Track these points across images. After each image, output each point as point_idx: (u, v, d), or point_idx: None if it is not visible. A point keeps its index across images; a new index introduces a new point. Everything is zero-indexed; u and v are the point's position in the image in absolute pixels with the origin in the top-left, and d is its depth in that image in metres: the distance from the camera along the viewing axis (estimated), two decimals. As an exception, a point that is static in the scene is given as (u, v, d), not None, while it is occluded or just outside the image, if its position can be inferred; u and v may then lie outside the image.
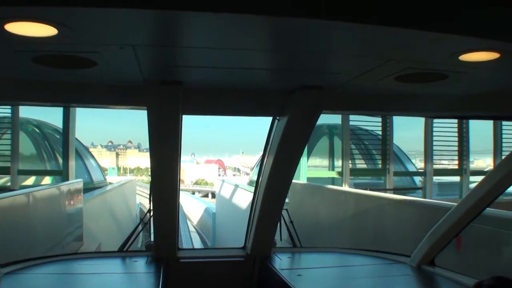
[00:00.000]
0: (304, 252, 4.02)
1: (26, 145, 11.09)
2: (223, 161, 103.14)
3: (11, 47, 1.81)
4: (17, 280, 2.88)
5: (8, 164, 8.51)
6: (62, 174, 8.97)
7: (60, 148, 9.84)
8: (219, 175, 77.11)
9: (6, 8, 1.33)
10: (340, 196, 7.25)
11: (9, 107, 8.42)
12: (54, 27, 1.49)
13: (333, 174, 10.86)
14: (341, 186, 10.05)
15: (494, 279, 1.92)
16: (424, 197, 10.99)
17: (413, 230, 4.97)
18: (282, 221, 3.90)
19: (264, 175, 3.31)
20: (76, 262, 3.41)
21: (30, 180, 10.73)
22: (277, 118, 3.10)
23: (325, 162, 12.02)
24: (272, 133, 3.24)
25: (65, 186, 7.17)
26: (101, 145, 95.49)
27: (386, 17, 1.43)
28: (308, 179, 10.18)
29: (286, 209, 3.96)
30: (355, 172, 10.67)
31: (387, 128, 10.60)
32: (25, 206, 5.07)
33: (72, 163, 8.89)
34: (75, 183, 7.72)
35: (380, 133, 11.21)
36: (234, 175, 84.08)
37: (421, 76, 2.23)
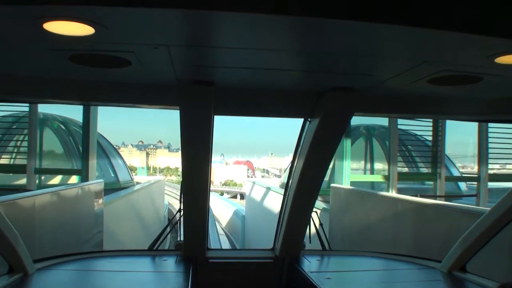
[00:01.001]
0: (334, 255, 4.01)
1: (51, 142, 10.71)
2: (252, 162, 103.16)
3: (49, 46, 1.83)
4: (48, 276, 2.95)
5: (24, 162, 7.94)
6: (81, 174, 8.35)
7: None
8: (248, 176, 77.04)
9: (45, 7, 1.37)
10: (397, 204, 6.20)
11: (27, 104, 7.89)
12: (91, 26, 1.51)
13: (379, 178, 9.91)
14: (387, 191, 9.23)
15: None
16: (478, 204, 10.16)
17: (501, 250, 3.97)
18: (312, 224, 3.85)
19: (295, 177, 3.31)
20: (106, 259, 3.47)
21: (57, 179, 10.28)
22: (309, 119, 3.07)
23: (362, 165, 11.23)
24: (303, 135, 3.21)
25: (81, 187, 6.47)
26: (132, 145, 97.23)
27: (422, 19, 1.40)
28: (352, 183, 9.28)
29: (316, 212, 3.86)
30: (403, 176, 9.70)
31: (438, 130, 9.72)
32: (27, 211, 4.35)
33: (92, 162, 8.26)
34: (95, 183, 7.01)
35: (421, 134, 10.52)
36: (263, 176, 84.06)
37: (455, 79, 2.20)
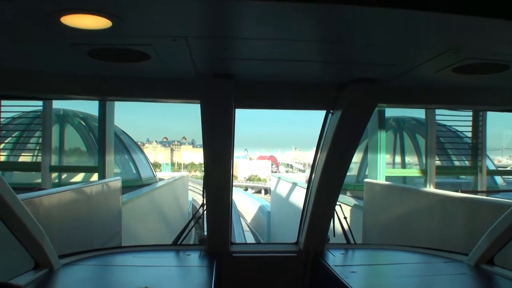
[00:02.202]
0: (358, 248, 3.99)
1: (72, 139, 10.47)
2: (275, 157, 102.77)
3: (67, 41, 1.84)
4: (74, 271, 2.99)
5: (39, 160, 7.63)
6: (97, 171, 7.97)
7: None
8: (272, 171, 76.69)
9: (61, 0, 1.39)
10: (445, 203, 5.54)
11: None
12: (108, 19, 1.51)
13: (416, 173, 9.28)
14: (423, 186, 8.67)
15: None
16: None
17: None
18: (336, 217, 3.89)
19: (317, 170, 3.30)
20: (130, 254, 3.49)
21: (79, 177, 10.01)
22: (331, 111, 3.06)
23: (391, 158, 10.73)
24: (326, 127, 3.19)
25: (96, 186, 6.09)
26: (156, 141, 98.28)
27: (445, 4, 1.35)
28: (387, 178, 8.67)
29: (340, 205, 3.86)
30: (441, 170, 9.05)
31: (478, 121, 9.22)
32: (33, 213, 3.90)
33: (110, 158, 7.91)
34: (112, 181, 6.62)
35: (450, 125, 10.33)
36: (287, 171, 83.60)
37: (481, 67, 2.13)
